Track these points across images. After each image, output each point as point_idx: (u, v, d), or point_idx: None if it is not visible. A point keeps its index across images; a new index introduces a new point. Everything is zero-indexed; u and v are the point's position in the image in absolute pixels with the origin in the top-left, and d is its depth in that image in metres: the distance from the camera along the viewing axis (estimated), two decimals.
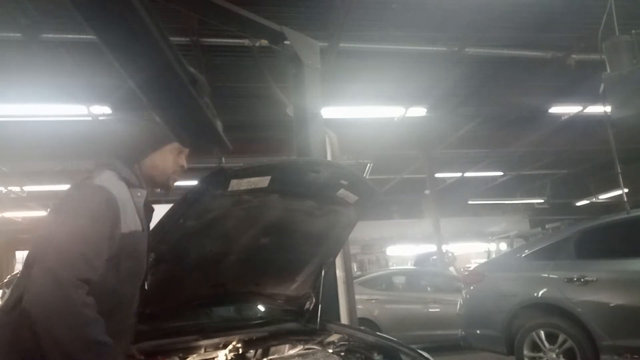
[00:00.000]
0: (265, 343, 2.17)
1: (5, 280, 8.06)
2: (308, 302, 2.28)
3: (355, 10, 5.27)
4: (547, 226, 14.61)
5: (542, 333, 4.17)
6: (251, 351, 2.16)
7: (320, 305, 2.23)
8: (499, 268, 5.01)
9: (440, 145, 10.80)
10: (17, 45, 5.58)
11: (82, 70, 6.15)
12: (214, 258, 1.98)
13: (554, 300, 4.13)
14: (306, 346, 2.14)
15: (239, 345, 1.99)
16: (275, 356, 2.14)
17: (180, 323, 2.05)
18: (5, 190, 11.31)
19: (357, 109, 8.22)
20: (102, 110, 7.36)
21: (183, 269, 1.87)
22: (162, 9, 4.32)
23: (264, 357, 2.18)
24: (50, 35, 5.33)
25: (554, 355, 4.06)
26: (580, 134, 10.18)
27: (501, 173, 14.18)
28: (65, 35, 5.30)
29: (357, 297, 3.29)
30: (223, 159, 9.49)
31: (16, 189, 11.44)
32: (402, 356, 1.91)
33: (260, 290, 2.33)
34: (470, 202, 17.32)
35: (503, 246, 10.18)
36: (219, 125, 1.23)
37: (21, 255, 17.20)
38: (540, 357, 4.18)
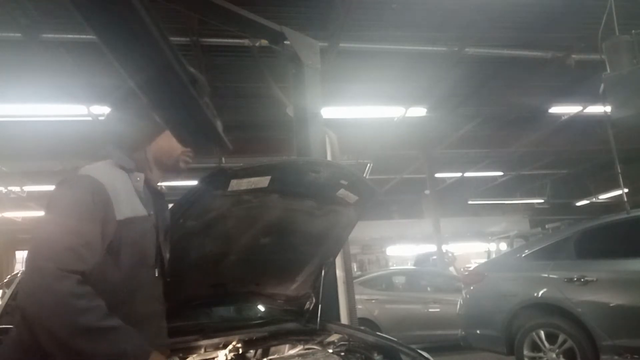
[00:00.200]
0: (265, 343, 2.17)
1: (5, 280, 8.05)
2: (308, 302, 2.28)
3: (355, 10, 5.27)
4: (547, 226, 14.64)
5: (542, 333, 4.18)
6: (251, 351, 2.16)
7: (320, 305, 2.22)
8: (499, 268, 5.02)
9: (440, 145, 10.80)
10: (17, 45, 5.57)
11: (82, 70, 6.14)
12: (214, 258, 1.98)
13: (554, 300, 4.13)
14: (306, 346, 2.13)
15: (239, 345, 1.98)
16: (275, 356, 2.14)
17: (180, 323, 2.04)
18: (5, 190, 11.31)
19: (357, 109, 8.21)
20: (102, 110, 7.36)
21: (183, 269, 1.87)
22: (162, 9, 4.33)
23: (264, 357, 2.17)
24: (50, 35, 5.33)
25: (554, 355, 4.07)
26: (580, 134, 10.18)
27: (501, 173, 14.18)
28: (65, 35, 5.31)
29: (357, 297, 3.29)
30: (223, 159, 9.50)
31: (16, 189, 11.44)
32: (402, 356, 1.91)
33: (260, 290, 2.33)
34: (470, 202, 17.33)
35: (503, 246, 10.18)
36: (219, 125, 1.23)
37: (21, 255, 17.21)
38: (540, 357, 4.19)
